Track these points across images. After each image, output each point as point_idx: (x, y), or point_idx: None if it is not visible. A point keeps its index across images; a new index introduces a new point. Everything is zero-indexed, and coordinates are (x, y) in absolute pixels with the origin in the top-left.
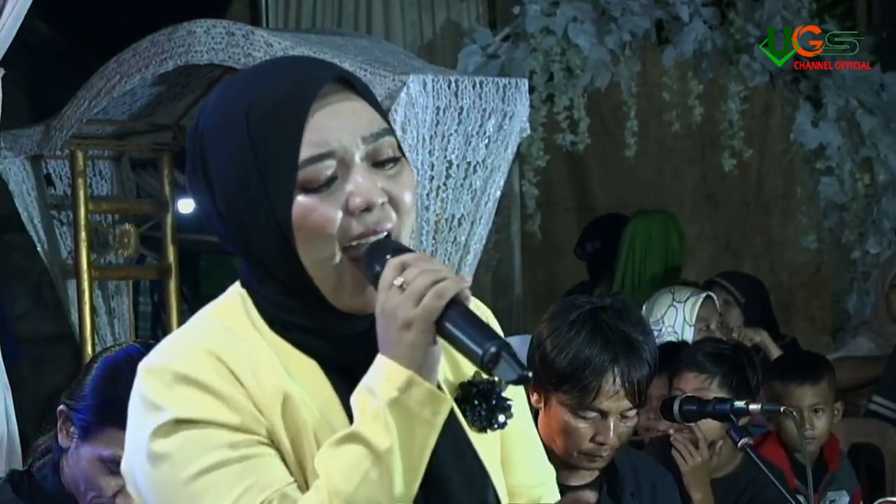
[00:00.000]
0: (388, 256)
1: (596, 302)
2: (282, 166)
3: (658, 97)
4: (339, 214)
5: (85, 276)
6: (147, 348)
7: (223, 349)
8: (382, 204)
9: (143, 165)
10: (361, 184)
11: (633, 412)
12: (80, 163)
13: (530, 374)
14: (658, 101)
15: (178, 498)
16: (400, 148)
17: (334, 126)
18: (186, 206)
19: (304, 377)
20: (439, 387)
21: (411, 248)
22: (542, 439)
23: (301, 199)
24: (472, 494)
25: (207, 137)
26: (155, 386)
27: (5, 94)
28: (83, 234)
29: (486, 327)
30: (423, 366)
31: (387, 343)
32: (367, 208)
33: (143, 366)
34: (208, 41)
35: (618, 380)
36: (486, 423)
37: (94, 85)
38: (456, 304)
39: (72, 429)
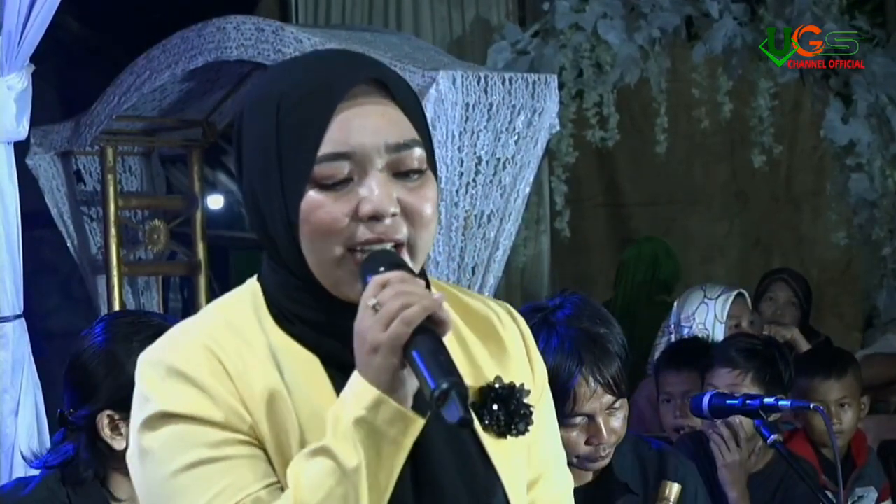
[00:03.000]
0: (381, 269)
1: (545, 306)
2: (299, 158)
3: (688, 93)
4: (347, 217)
5: (115, 272)
6: (112, 318)
7: (218, 344)
8: (394, 214)
9: (172, 161)
10: (374, 191)
11: (619, 403)
12: (110, 158)
13: (473, 420)
14: (688, 98)
15: (158, 495)
16: (430, 159)
17: (359, 128)
18: (216, 202)
19: (303, 373)
20: (415, 406)
21: (409, 264)
22: None
23: (312, 193)
24: (473, 498)
25: (245, 117)
26: (150, 378)
27: (35, 90)
28: (113, 230)
29: (446, 362)
30: (392, 387)
31: (358, 362)
32: (376, 217)
33: (142, 358)
34: (238, 37)
35: (590, 380)
36: (506, 428)
37: (124, 81)
38: (426, 332)
39: (123, 428)
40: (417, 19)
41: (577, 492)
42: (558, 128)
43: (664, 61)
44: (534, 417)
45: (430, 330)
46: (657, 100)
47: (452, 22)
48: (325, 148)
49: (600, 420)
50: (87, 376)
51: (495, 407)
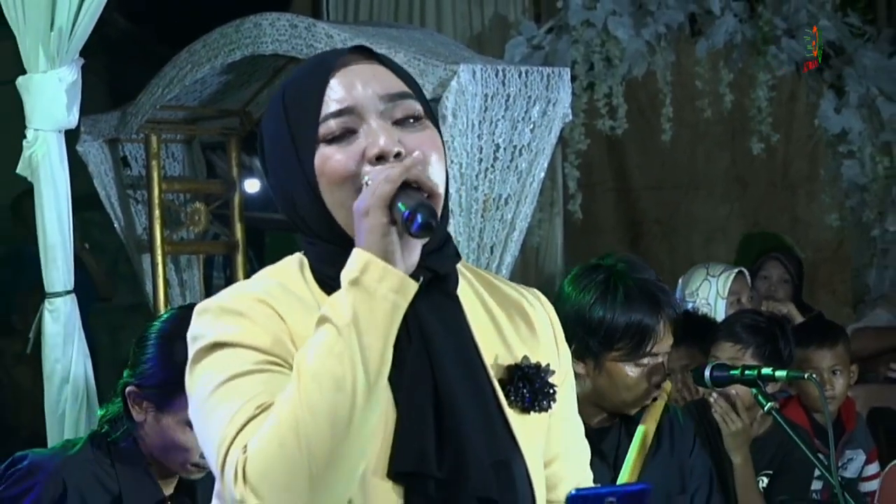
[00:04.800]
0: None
1: (601, 263)
2: (306, 123)
3: (691, 85)
4: (356, 161)
5: (158, 251)
6: (185, 310)
7: (272, 297)
8: (398, 154)
9: (212, 148)
10: (375, 133)
11: (670, 345)
12: (154, 145)
13: (434, 226)
14: (691, 89)
15: (203, 412)
16: (431, 117)
17: (353, 85)
18: (252, 185)
19: None
20: (429, 227)
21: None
22: (586, 397)
23: (322, 149)
24: (493, 455)
25: (262, 123)
26: (203, 321)
27: (85, 82)
28: (157, 212)
29: (422, 202)
30: (382, 249)
31: (356, 235)
32: (381, 156)
33: (199, 306)
34: (273, 33)
35: (666, 324)
36: (529, 405)
37: (168, 73)
38: (408, 189)
39: (144, 404)
40: (440, 16)
41: (605, 430)
42: (571, 117)
43: (669, 55)
44: (557, 396)
45: (409, 187)
46: (663, 91)
47: (472, 18)
48: (326, 108)
49: (661, 360)
50: (140, 349)
51: (521, 385)
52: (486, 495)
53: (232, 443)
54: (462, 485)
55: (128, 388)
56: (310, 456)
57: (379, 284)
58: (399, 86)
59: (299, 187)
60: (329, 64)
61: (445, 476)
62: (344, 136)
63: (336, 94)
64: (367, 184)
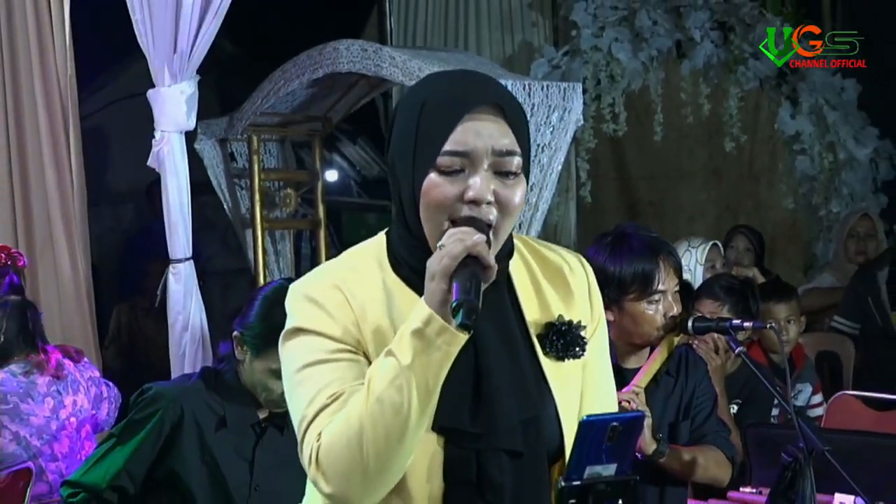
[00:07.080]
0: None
1: (610, 232)
2: (429, 149)
3: (677, 97)
4: (454, 198)
5: (258, 227)
6: (288, 282)
7: (344, 282)
8: (489, 202)
9: (300, 146)
10: (478, 182)
11: (678, 286)
12: (255, 144)
13: (471, 327)
14: (677, 100)
15: (289, 386)
16: (526, 168)
17: (476, 135)
18: (332, 175)
19: (406, 305)
20: (467, 326)
21: (490, 239)
22: (620, 338)
23: (433, 176)
24: (522, 409)
25: (399, 108)
26: (293, 301)
27: (201, 94)
28: (257, 196)
29: (470, 287)
30: (442, 311)
31: (425, 288)
32: (476, 201)
33: (291, 287)
34: (348, 55)
35: (666, 265)
36: (563, 353)
37: (265, 87)
38: (468, 265)
39: (244, 347)
40: (479, 42)
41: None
42: (582, 122)
43: (660, 73)
44: (588, 346)
45: (471, 266)
46: (655, 101)
47: (504, 44)
48: (449, 145)
49: (670, 297)
50: (249, 305)
51: (555, 338)
52: (512, 448)
53: (309, 425)
54: (492, 439)
55: (234, 332)
56: (367, 458)
57: (437, 338)
58: (512, 144)
59: (407, 187)
60: (467, 105)
61: (479, 431)
62: (454, 172)
63: (461, 136)
64: (440, 247)
